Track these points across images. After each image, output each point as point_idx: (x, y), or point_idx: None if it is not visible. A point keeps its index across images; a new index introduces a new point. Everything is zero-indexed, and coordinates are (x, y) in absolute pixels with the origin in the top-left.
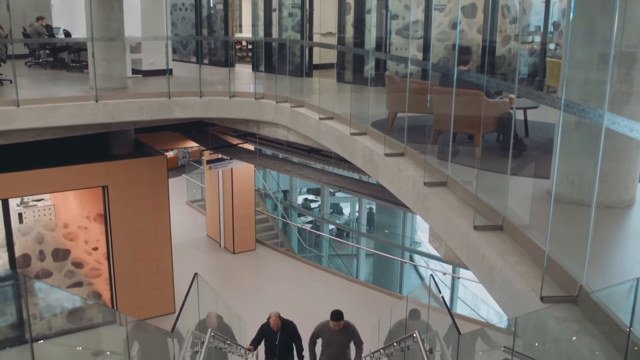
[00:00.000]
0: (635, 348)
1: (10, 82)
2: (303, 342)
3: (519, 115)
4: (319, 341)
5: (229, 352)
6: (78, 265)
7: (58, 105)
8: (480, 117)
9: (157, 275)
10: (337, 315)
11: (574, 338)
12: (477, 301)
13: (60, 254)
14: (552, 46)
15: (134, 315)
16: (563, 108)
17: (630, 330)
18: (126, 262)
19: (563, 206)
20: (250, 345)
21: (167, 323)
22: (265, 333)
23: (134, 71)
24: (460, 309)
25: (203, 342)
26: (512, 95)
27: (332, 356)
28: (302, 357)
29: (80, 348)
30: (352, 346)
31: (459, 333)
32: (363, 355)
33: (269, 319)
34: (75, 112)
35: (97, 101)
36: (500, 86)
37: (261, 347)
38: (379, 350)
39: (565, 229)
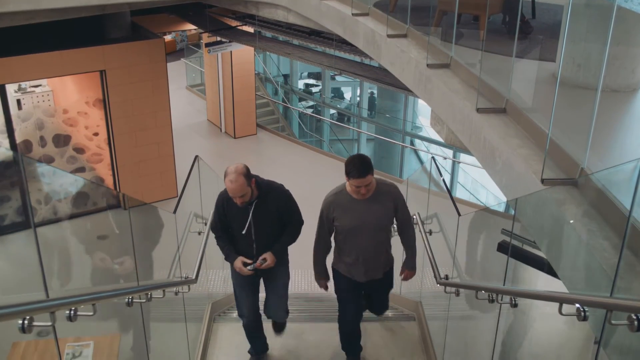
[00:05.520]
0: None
1: None
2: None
3: None
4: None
5: None
6: (79, 150)
7: None
8: None
9: (159, 160)
10: (361, 165)
11: (572, 220)
12: (477, 186)
13: (61, 140)
14: None
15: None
16: None
17: (630, 213)
18: (127, 147)
19: (568, 89)
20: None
21: (170, 207)
22: (224, 214)
23: None
24: (459, 193)
25: (205, 224)
26: None
27: (363, 254)
28: (295, 235)
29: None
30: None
31: (459, 214)
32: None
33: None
34: None
35: None
36: None
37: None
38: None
39: (569, 112)
